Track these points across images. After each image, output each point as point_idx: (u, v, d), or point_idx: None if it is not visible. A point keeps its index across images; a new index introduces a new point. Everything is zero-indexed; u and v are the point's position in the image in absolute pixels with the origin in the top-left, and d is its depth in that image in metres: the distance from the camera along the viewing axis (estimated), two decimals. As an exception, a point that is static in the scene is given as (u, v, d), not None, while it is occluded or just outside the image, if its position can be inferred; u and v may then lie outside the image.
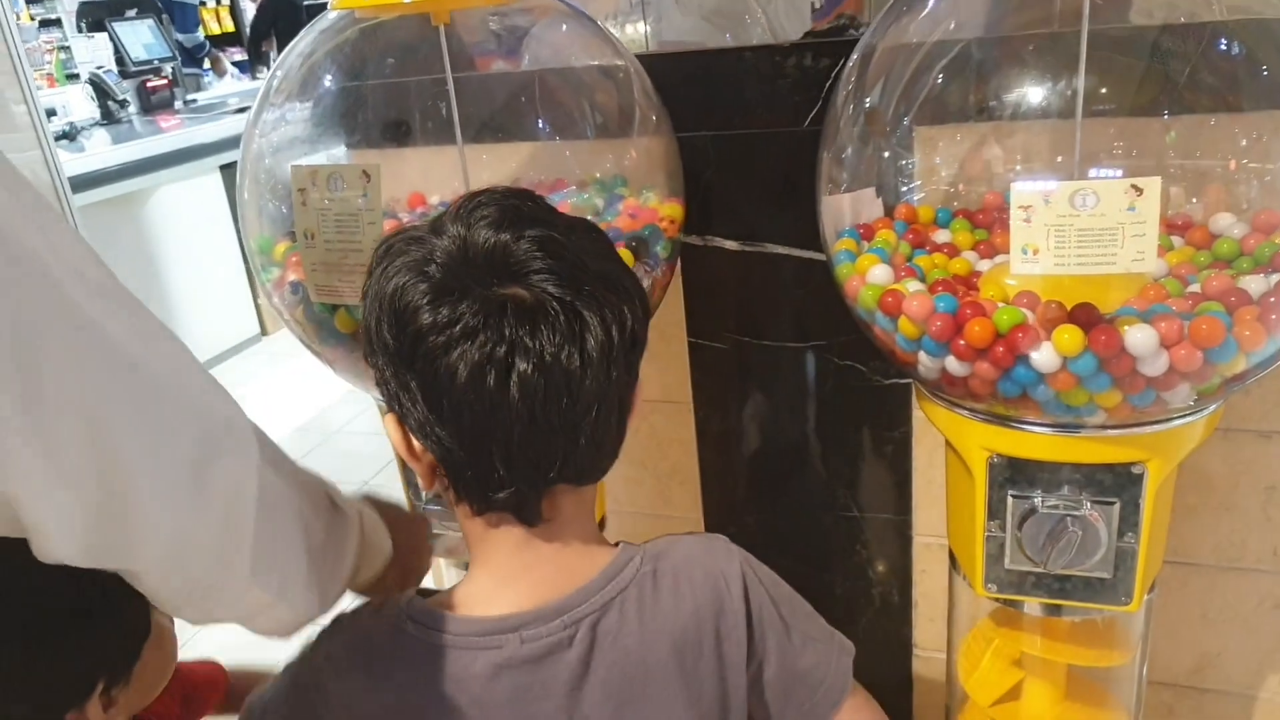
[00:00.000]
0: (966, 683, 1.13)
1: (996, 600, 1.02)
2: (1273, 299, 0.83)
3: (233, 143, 3.93)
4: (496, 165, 1.17)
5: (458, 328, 0.60)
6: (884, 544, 1.45)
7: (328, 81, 1.06)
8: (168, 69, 4.45)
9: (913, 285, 0.91)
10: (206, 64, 5.40)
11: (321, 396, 3.43)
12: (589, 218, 1.06)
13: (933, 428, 1.37)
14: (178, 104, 4.44)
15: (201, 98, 4.68)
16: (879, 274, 0.93)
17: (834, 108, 1.02)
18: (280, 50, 5.60)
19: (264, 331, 4.23)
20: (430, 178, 1.23)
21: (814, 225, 1.29)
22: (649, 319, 0.68)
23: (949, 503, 1.08)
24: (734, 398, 1.44)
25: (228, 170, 4.01)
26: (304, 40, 1.04)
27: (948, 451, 1.05)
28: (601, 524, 1.22)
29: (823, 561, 1.49)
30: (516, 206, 0.66)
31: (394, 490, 0.96)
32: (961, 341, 0.84)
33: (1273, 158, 0.97)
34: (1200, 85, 1.00)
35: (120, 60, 4.23)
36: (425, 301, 0.61)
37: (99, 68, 4.08)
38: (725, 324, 1.40)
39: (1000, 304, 0.85)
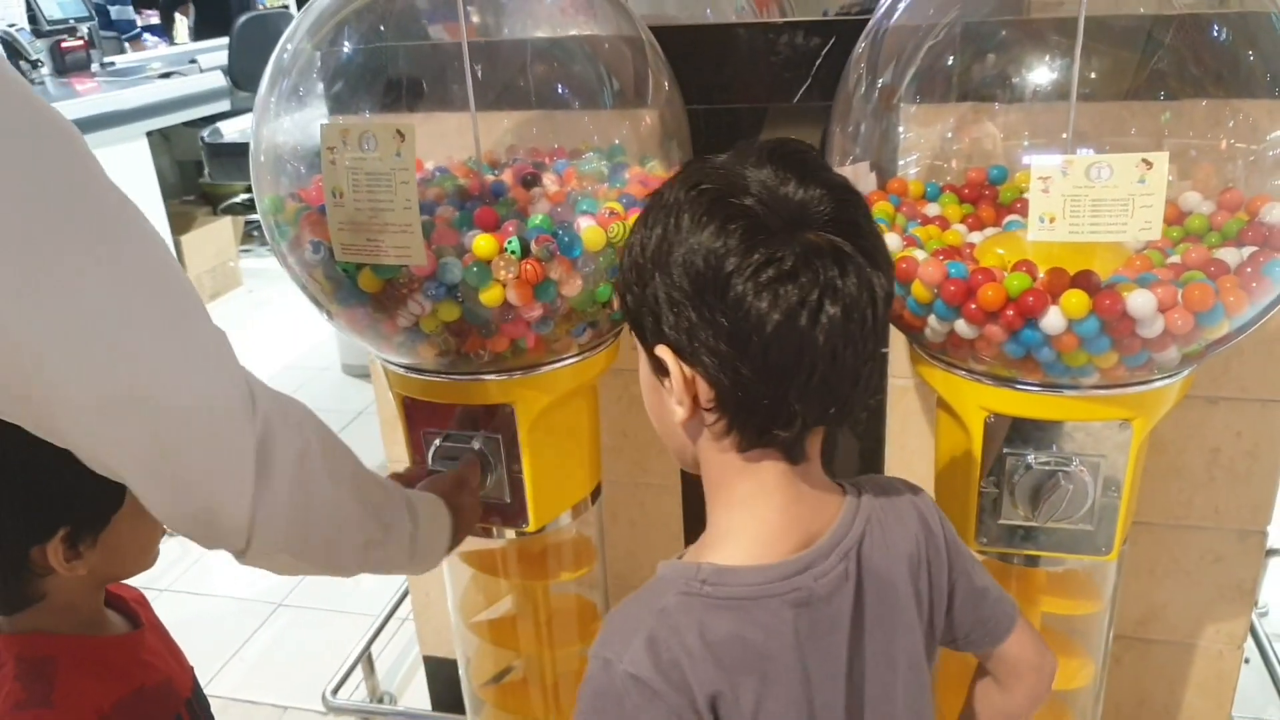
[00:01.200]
0: (948, 633, 1.20)
1: (985, 554, 1.08)
2: (1249, 269, 0.90)
3: (161, 108, 3.80)
4: (501, 131, 1.18)
5: (772, 269, 0.62)
6: (856, 507, 1.52)
7: (344, 46, 1.06)
8: (84, 29, 4.26)
9: (919, 254, 0.96)
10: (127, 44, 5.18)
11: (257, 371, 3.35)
12: (599, 186, 1.09)
13: (906, 396, 1.44)
14: (94, 66, 4.25)
15: (120, 61, 4.48)
16: (891, 242, 0.97)
17: (846, 84, 1.06)
18: (197, 18, 5.42)
19: (192, 306, 4.09)
20: (427, 144, 1.23)
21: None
22: None
23: (939, 462, 1.14)
24: (715, 366, 1.48)
25: (154, 137, 3.87)
26: (318, 4, 1.04)
27: (940, 412, 1.11)
28: (596, 492, 1.25)
29: (796, 525, 1.55)
30: (808, 158, 0.68)
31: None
32: (973, 305, 0.90)
33: (1240, 141, 1.05)
34: (1173, 73, 1.08)
35: (33, 18, 4.03)
36: (740, 242, 0.62)
37: (10, 25, 3.89)
38: (710, 294, 1.43)
39: (1007, 271, 0.91)
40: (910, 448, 1.45)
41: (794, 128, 1.32)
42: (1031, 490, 1.00)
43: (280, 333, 3.76)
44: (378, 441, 1.70)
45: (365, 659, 1.88)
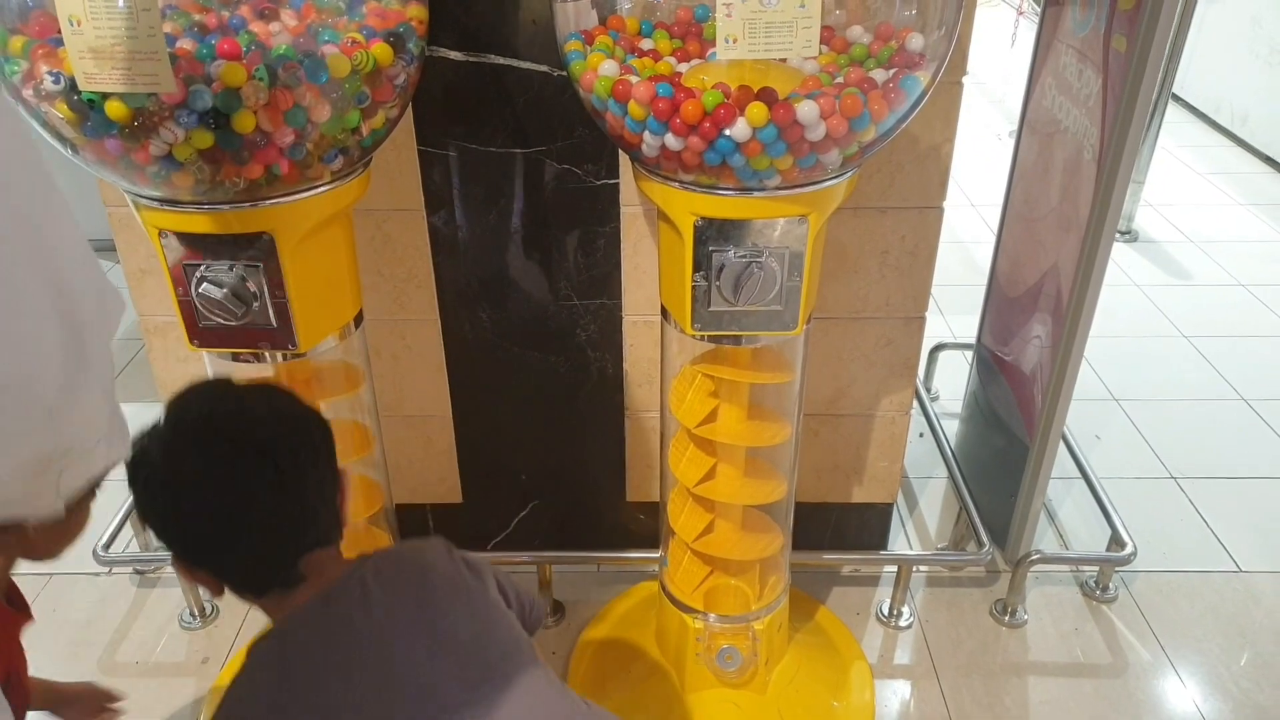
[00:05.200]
0: (677, 412, 1.42)
1: (701, 338, 1.29)
2: (890, 85, 1.12)
3: None
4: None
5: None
6: (599, 325, 1.70)
7: None
8: None
9: (634, 79, 1.11)
10: None
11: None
12: (338, 19, 1.15)
13: (638, 222, 1.62)
14: None
15: None
16: (609, 68, 1.12)
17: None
18: None
19: None
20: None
21: (532, 38, 1.45)
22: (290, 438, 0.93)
23: (662, 266, 1.33)
24: (463, 202, 1.59)
25: None
26: None
27: (660, 223, 1.28)
28: (359, 319, 1.34)
29: (549, 346, 1.72)
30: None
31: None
32: (678, 120, 1.06)
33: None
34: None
35: None
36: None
37: None
38: (452, 132, 1.52)
39: (705, 91, 1.08)
40: (642, 267, 1.64)
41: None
42: (733, 280, 1.21)
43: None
44: (128, 301, 1.68)
45: (132, 515, 1.88)
